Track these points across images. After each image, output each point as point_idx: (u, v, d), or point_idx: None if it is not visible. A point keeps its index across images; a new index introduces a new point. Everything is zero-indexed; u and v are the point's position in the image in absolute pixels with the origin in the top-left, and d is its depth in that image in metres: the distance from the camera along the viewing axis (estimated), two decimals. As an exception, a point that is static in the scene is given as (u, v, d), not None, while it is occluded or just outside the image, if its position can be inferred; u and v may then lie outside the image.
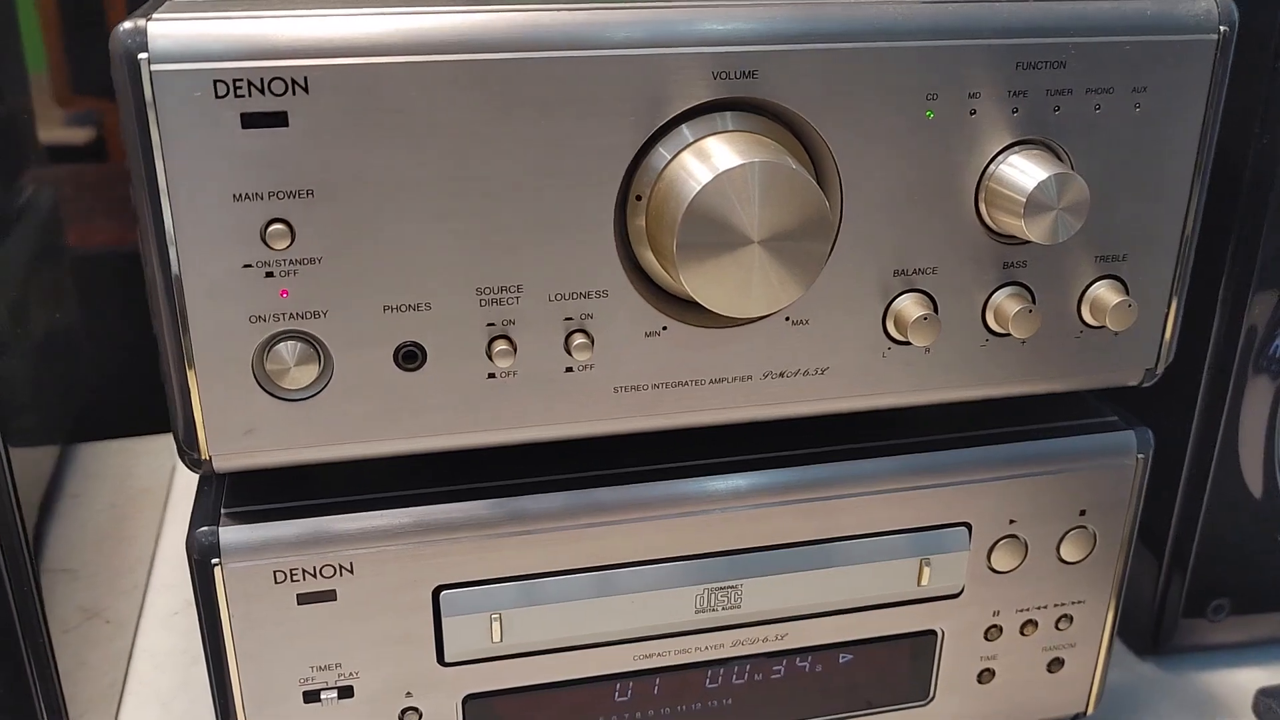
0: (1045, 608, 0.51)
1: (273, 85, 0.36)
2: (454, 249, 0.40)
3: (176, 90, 0.36)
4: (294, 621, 0.43)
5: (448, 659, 0.45)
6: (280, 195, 0.38)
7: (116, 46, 0.36)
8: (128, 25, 0.36)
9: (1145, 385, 0.49)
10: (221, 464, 0.41)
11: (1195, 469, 0.57)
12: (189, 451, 0.41)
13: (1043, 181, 0.41)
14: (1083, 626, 0.52)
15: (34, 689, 0.48)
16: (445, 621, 0.44)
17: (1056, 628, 0.52)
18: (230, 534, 0.42)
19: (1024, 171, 0.42)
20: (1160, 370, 0.48)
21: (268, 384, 0.40)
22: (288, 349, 0.40)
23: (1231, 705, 0.58)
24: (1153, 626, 0.61)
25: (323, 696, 0.45)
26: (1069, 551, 0.50)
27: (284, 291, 0.39)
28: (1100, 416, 0.51)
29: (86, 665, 0.56)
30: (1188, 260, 0.46)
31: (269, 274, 0.39)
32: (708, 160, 0.38)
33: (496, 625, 0.45)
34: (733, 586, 0.47)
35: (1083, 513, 0.50)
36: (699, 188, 0.38)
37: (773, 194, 0.38)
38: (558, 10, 0.39)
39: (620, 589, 0.46)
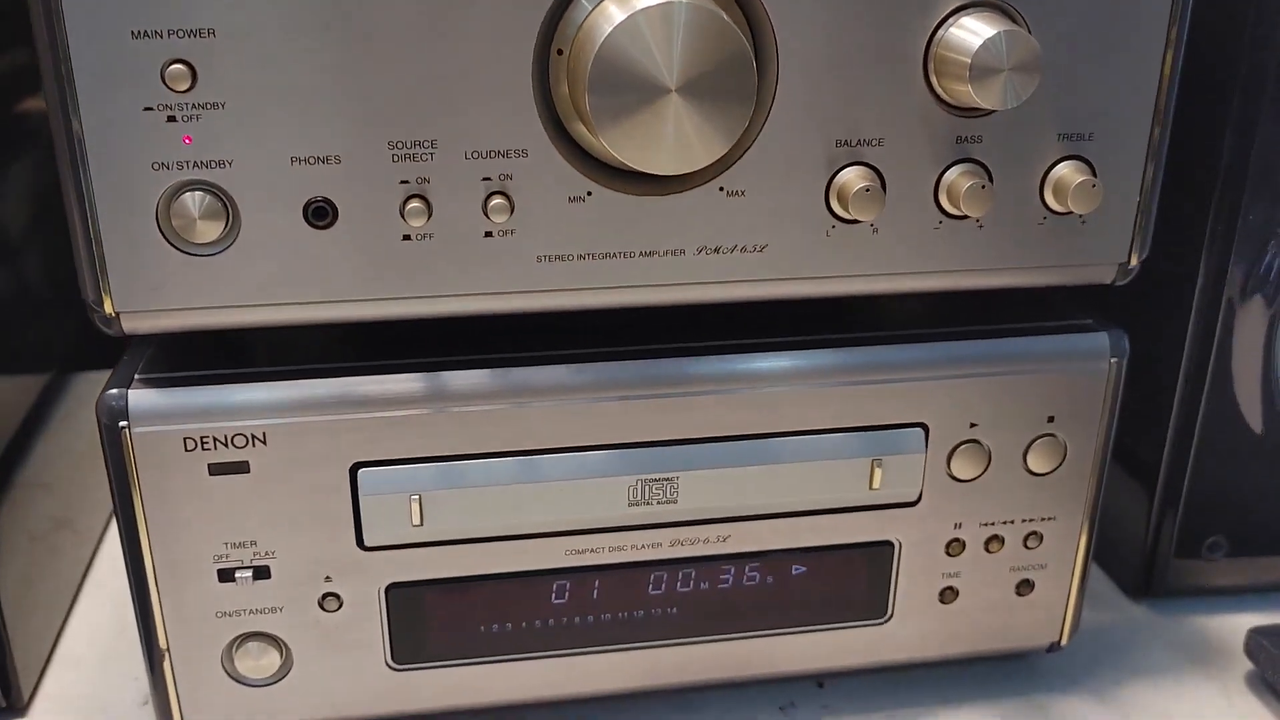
0: (1012, 523, 0.48)
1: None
2: (365, 99, 0.38)
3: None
4: (206, 493, 0.42)
5: (367, 543, 0.44)
6: (180, 34, 0.37)
7: None
8: None
9: (1119, 283, 0.46)
10: (131, 324, 0.40)
11: (1187, 396, 0.54)
12: (96, 309, 0.40)
13: (989, 39, 0.38)
14: (1054, 547, 0.49)
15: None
16: (363, 501, 0.43)
17: (1025, 546, 0.49)
18: (140, 397, 0.41)
19: (972, 31, 0.39)
20: (1135, 265, 0.45)
21: (174, 238, 0.39)
22: (193, 200, 0.38)
23: (1226, 649, 0.55)
24: (1145, 566, 0.57)
25: (237, 576, 0.43)
26: (1036, 462, 0.47)
27: (187, 138, 0.38)
28: (1073, 319, 0.48)
29: (50, 569, 0.56)
30: (1162, 140, 0.43)
31: (171, 118, 0.37)
32: (626, 4, 0.37)
33: (416, 507, 0.43)
34: (668, 479, 0.45)
35: (1050, 419, 0.47)
36: (611, 29, 0.36)
37: (690, 37, 0.36)
38: None
39: (548, 475, 0.44)
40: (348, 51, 0.37)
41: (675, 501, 0.45)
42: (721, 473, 0.45)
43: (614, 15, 0.36)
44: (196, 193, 0.38)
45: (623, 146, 0.37)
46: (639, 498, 0.45)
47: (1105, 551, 0.61)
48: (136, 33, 0.36)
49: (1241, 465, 0.55)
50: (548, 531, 0.45)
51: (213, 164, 0.38)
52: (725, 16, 0.37)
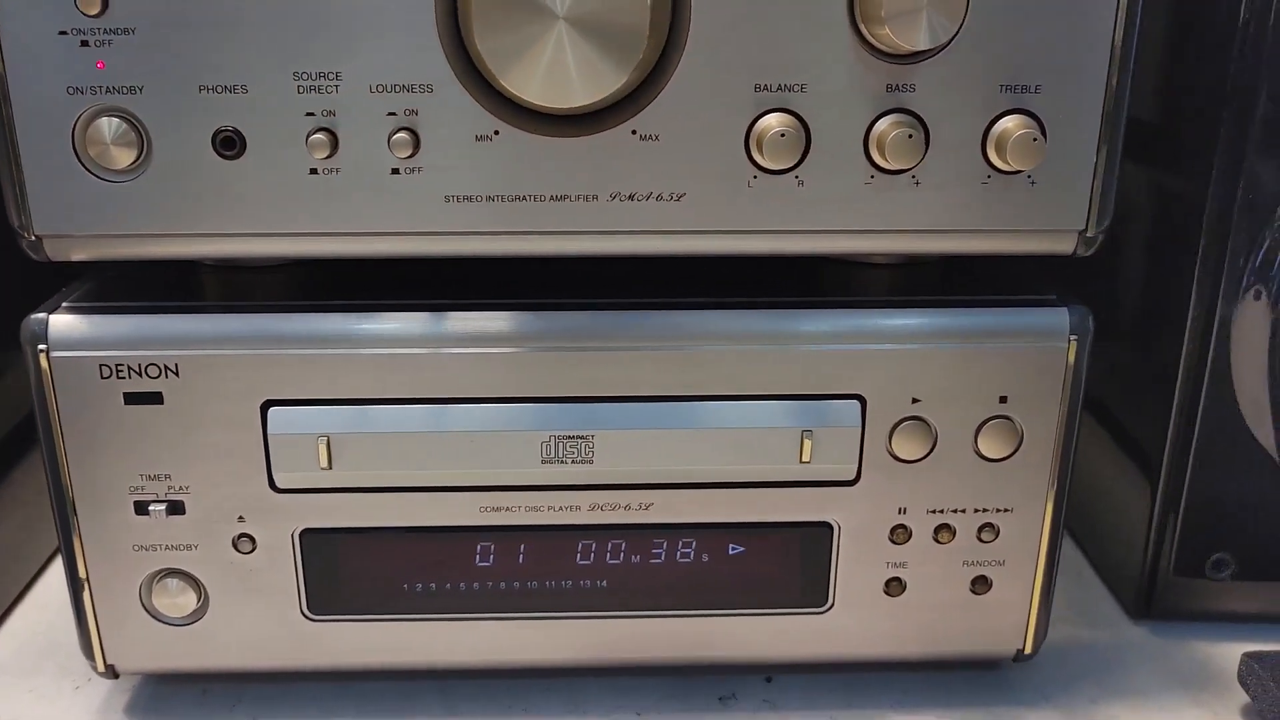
0: (963, 511, 0.45)
1: None
2: (269, 27, 0.38)
3: None
4: (122, 422, 0.43)
5: (279, 484, 0.43)
6: (93, -42, 0.38)
7: None
8: None
9: (1082, 254, 0.42)
10: (54, 249, 0.41)
11: (1186, 400, 0.49)
12: (21, 233, 0.41)
13: (905, -28, 0.36)
14: (1012, 542, 0.45)
15: None
16: (271, 439, 0.43)
17: (979, 539, 0.45)
18: (60, 322, 0.42)
19: (892, -36, 0.37)
20: (1095, 234, 0.42)
21: (90, 163, 0.40)
22: (108, 125, 0.39)
23: (1223, 677, 0.50)
24: (1145, 584, 0.53)
25: (151, 509, 0.44)
26: (988, 445, 0.44)
27: (100, 63, 0.39)
28: (1033, 291, 0.44)
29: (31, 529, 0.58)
30: (1120, 95, 0.40)
31: (84, 43, 0.38)
32: (520, -68, 0.36)
33: (324, 448, 0.43)
34: (583, 437, 0.43)
35: (1003, 400, 0.44)
36: (503, -47, 0.35)
37: (579, -36, 0.35)
38: None
39: (458, 425, 0.43)
40: (252, -20, 0.38)
41: (591, 462, 0.43)
42: (640, 434, 0.43)
43: (511, -55, 0.36)
44: (111, 118, 0.39)
45: (512, 75, 0.36)
46: (552, 455, 0.43)
47: (1108, 568, 0.57)
48: (51, -42, 0.37)
49: (1248, 478, 0.50)
50: (460, 485, 0.44)
51: (124, 89, 0.39)
52: (619, -56, 0.36)
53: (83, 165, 0.40)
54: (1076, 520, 0.61)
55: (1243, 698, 0.48)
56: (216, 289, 0.46)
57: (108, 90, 0.39)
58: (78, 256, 0.42)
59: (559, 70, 0.36)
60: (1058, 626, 0.53)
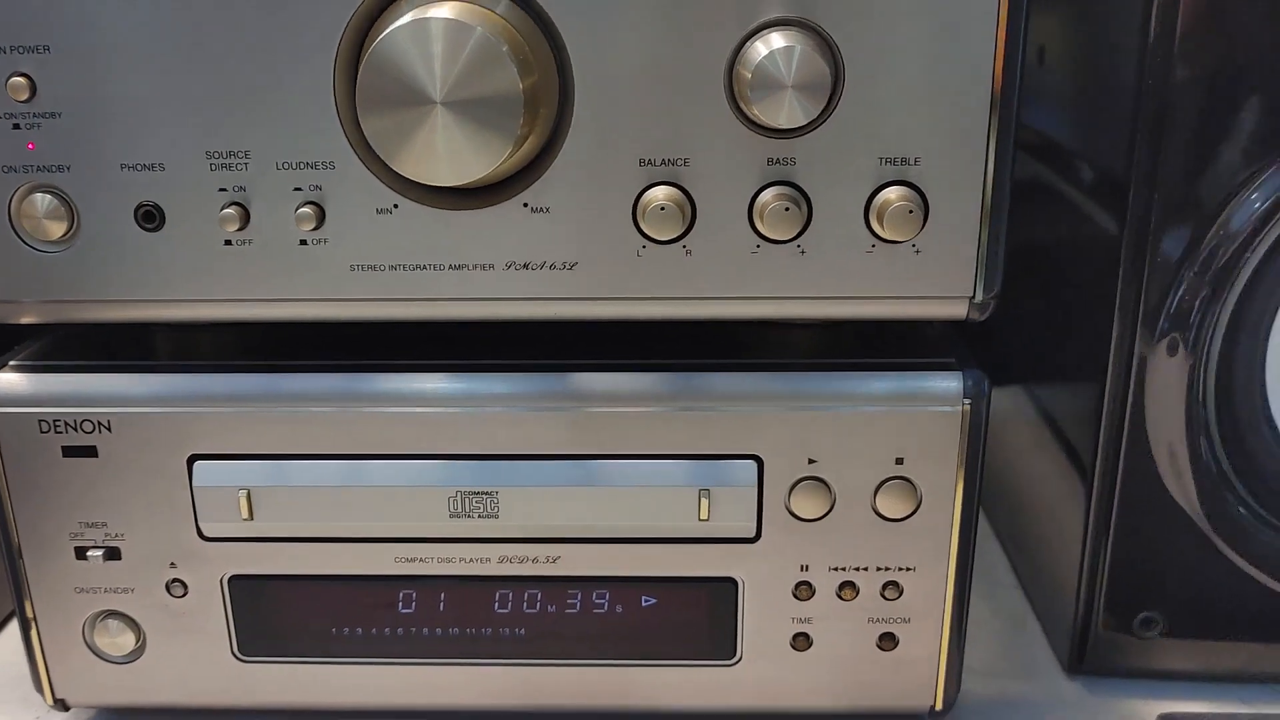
0: (865, 570, 0.46)
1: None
2: (182, 110, 0.41)
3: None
4: (60, 473, 0.46)
5: (205, 533, 0.46)
6: (21, 50, 0.41)
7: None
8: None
9: (974, 319, 0.43)
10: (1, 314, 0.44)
11: (1106, 457, 0.49)
12: (-34, 297, 0.44)
13: (768, 55, 0.38)
14: (917, 600, 0.46)
15: None
16: (196, 491, 0.45)
17: (883, 596, 0.46)
18: (5, 379, 0.45)
19: (765, 44, 0.38)
20: (985, 299, 0.42)
21: (25, 235, 0.43)
22: (40, 200, 0.42)
23: (1146, 737, 0.50)
24: (1077, 639, 0.53)
25: (89, 555, 0.46)
26: (887, 505, 0.45)
27: (30, 144, 0.42)
28: (931, 355, 0.45)
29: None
30: (1000, 165, 0.40)
31: (15, 125, 0.41)
32: (398, 21, 0.38)
33: (245, 500, 0.45)
34: (488, 494, 0.45)
35: (900, 461, 0.44)
36: (390, 43, 0.37)
37: (457, 52, 0.37)
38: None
39: (370, 480, 0.45)
40: (169, 66, 0.40)
41: (496, 516, 0.45)
42: (542, 490, 0.45)
43: (394, 32, 0.38)
44: (43, 194, 0.42)
45: (397, 157, 0.39)
46: (459, 510, 0.45)
47: (1049, 621, 0.57)
48: (-17, 47, 0.41)
49: (1173, 534, 0.50)
50: (375, 537, 0.46)
51: (54, 168, 0.42)
52: (495, 34, 0.37)
53: (19, 237, 0.43)
54: (1024, 569, 0.61)
55: (1162, 759, 0.48)
56: (166, 345, 0.49)
57: (38, 169, 0.42)
58: (24, 320, 0.45)
59: (439, 151, 0.38)
60: (992, 679, 0.54)
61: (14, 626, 0.59)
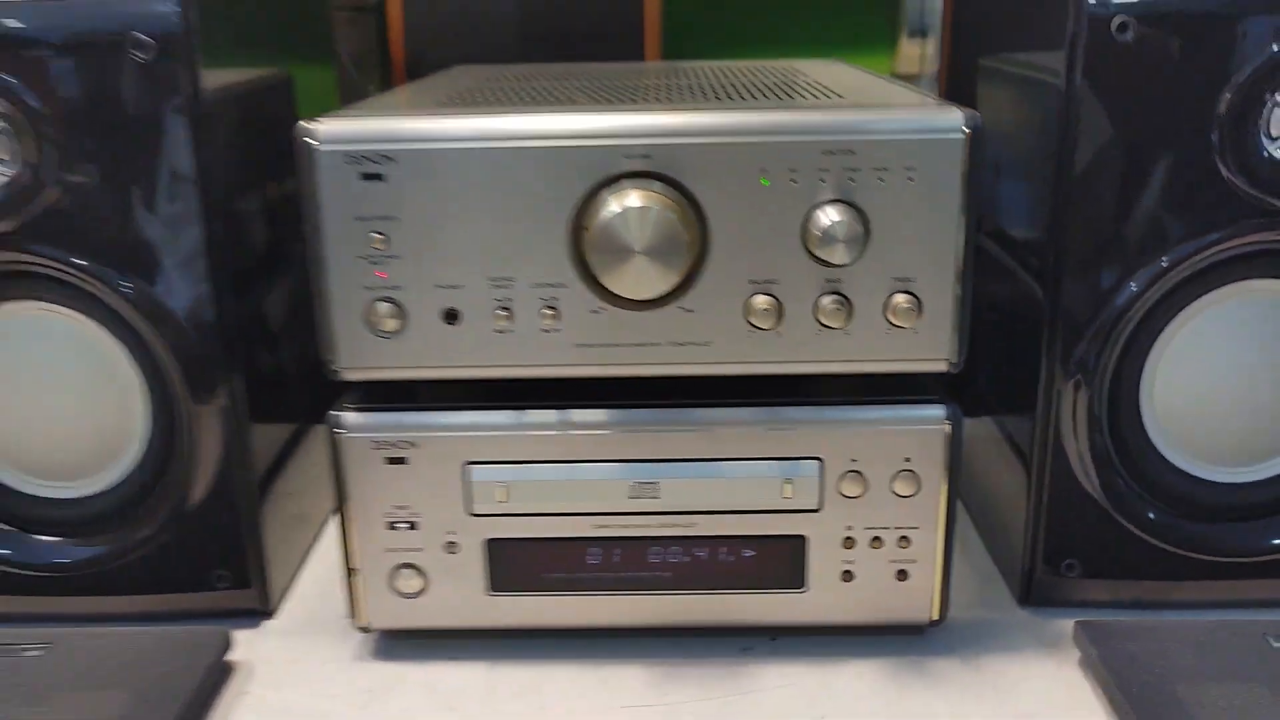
0: (888, 529, 0.73)
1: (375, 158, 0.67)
2: (473, 252, 0.69)
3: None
4: (382, 475, 0.73)
5: (475, 511, 0.73)
6: (380, 218, 0.68)
7: (302, 137, 0.68)
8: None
9: (952, 370, 0.71)
10: (347, 374, 0.72)
11: (1039, 460, 0.77)
12: (329, 364, 0.71)
13: (830, 223, 0.65)
14: (920, 547, 0.73)
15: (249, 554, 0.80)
16: (474, 485, 0.72)
17: (899, 546, 0.73)
18: (345, 416, 0.72)
19: (825, 215, 0.66)
20: (957, 359, 0.70)
21: (371, 328, 0.70)
22: (384, 307, 0.70)
23: (1067, 642, 0.76)
24: (1025, 579, 0.80)
25: (397, 527, 0.74)
26: (900, 488, 0.72)
27: (382, 274, 0.69)
28: (926, 394, 0.73)
29: (293, 542, 0.88)
30: (965, 283, 0.68)
31: (373, 262, 0.69)
32: (619, 203, 0.66)
33: (503, 490, 0.72)
34: (653, 484, 0.72)
35: (907, 460, 0.72)
36: (609, 217, 0.65)
37: (646, 222, 0.65)
38: (541, 114, 0.67)
39: (580, 476, 0.72)
40: (468, 227, 0.68)
41: (658, 498, 0.72)
42: (686, 481, 0.72)
43: (610, 210, 0.66)
44: (384, 303, 0.70)
45: (610, 279, 0.66)
46: (635, 494, 0.72)
47: (1004, 568, 0.84)
48: (359, 218, 0.68)
49: (1083, 509, 0.77)
50: (580, 512, 0.73)
51: (393, 287, 0.70)
52: (670, 214, 0.65)
53: (367, 328, 0.70)
54: (987, 535, 0.88)
55: (1076, 652, 0.75)
56: (450, 392, 0.76)
57: (384, 288, 0.70)
58: (355, 378, 0.72)
59: (636, 278, 0.66)
60: (969, 609, 0.81)
61: (311, 571, 0.87)
